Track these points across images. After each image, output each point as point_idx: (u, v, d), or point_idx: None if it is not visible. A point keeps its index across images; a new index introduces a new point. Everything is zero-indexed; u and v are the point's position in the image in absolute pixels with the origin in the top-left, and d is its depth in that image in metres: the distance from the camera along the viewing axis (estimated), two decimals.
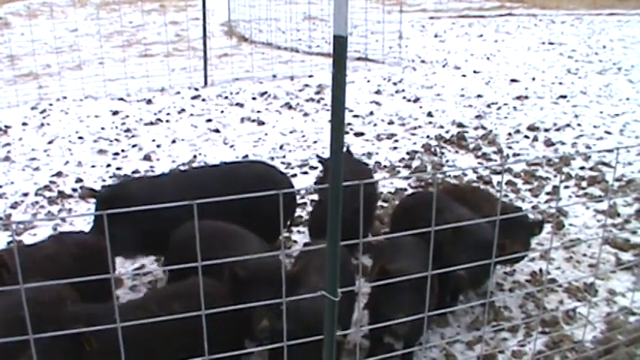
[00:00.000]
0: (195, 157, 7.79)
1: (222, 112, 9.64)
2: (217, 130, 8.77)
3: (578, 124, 9.21)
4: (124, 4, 19.38)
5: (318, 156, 6.31)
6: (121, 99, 10.20)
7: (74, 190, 6.78)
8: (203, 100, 10.23)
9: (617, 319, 4.45)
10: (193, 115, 9.46)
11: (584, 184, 6.99)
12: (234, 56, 12.84)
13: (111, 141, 8.38)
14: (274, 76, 11.76)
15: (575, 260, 5.39)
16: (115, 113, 9.48)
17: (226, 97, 10.39)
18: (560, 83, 11.81)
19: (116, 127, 8.89)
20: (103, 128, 8.86)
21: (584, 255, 5.47)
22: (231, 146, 8.17)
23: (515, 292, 4.88)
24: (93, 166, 7.48)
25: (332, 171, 2.55)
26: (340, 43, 2.43)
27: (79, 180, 7.00)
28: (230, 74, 11.61)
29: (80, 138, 8.47)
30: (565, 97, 10.75)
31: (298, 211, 5.91)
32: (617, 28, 19.24)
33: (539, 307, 4.58)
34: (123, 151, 8.03)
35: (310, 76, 11.62)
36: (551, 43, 16.29)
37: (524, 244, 4.59)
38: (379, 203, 6.25)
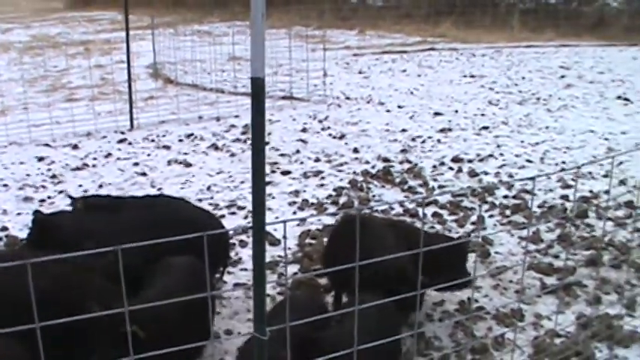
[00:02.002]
0: None
1: (148, 155, 9.59)
2: (144, 174, 8.72)
3: (501, 154, 9.45)
4: (48, 48, 19.17)
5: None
6: (47, 144, 10.05)
7: None
8: (129, 143, 10.15)
9: (543, 342, 4.55)
10: (120, 159, 9.37)
11: (508, 212, 7.16)
12: (160, 98, 12.79)
13: (37, 188, 8.23)
14: (200, 117, 11.75)
15: (502, 287, 5.50)
16: (41, 159, 9.33)
17: (153, 140, 10.33)
18: (483, 115, 12.10)
19: (42, 174, 8.74)
20: (28, 175, 8.70)
21: (511, 281, 5.59)
22: (159, 189, 8.11)
23: (445, 321, 4.96)
24: (18, 214, 7.32)
25: (254, 211, 2.58)
26: (258, 85, 2.46)
27: (4, 228, 6.85)
28: (156, 117, 11.54)
29: (5, 186, 8.30)
30: (487, 128, 11.01)
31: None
32: (534, 59, 19.81)
33: (468, 335, 4.66)
34: (49, 197, 7.89)
35: (236, 117, 11.65)
36: (472, 76, 16.67)
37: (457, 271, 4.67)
38: (307, 240, 6.32)
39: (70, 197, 5.57)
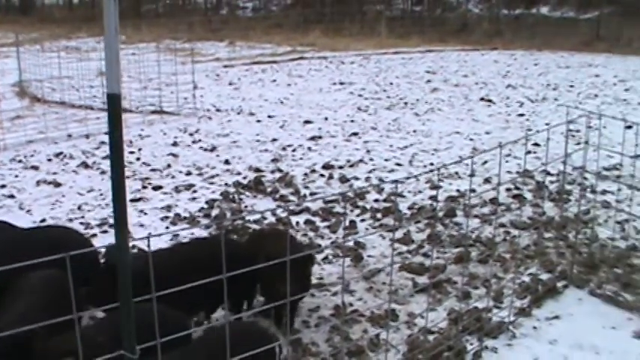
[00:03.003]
0: None
1: (16, 176, 9.23)
2: (12, 196, 8.38)
3: (371, 159, 9.61)
4: None
5: None
6: None
7: None
8: None
9: (417, 340, 4.63)
10: None
11: (379, 215, 7.27)
12: (27, 117, 12.38)
13: None
14: (69, 135, 11.42)
15: (375, 289, 5.56)
16: None
17: (20, 161, 9.95)
18: (352, 121, 12.28)
19: None
20: None
21: (384, 283, 5.66)
22: (28, 211, 7.82)
23: (321, 327, 4.97)
24: None
25: (116, 228, 2.53)
26: (114, 101, 2.43)
27: None
28: (24, 136, 11.14)
29: None
30: (357, 134, 11.18)
31: None
32: (402, 65, 20.31)
33: (345, 339, 4.69)
34: None
35: (106, 133, 11.36)
36: (341, 84, 16.92)
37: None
38: None
39: None
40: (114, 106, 2.43)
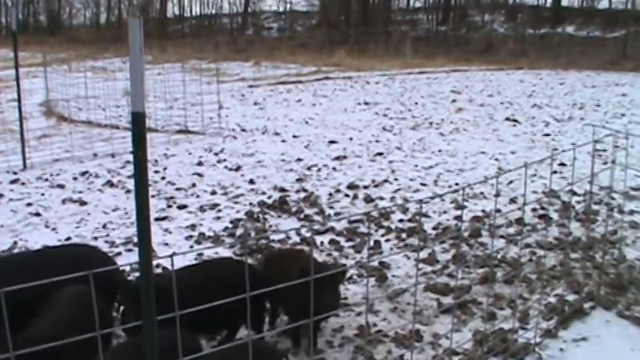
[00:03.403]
0: (15, 243, 7.45)
1: (42, 194, 9.31)
2: (38, 214, 8.46)
3: (396, 179, 9.59)
4: None
5: None
6: None
7: None
8: (22, 183, 9.85)
9: None
10: (13, 200, 9.07)
11: (404, 235, 7.24)
12: (53, 136, 12.50)
13: None
14: (95, 154, 11.52)
15: (400, 309, 5.53)
16: None
17: (47, 179, 10.05)
18: (377, 141, 12.28)
19: None
20: None
21: (408, 303, 5.62)
22: (53, 229, 7.88)
23: (345, 347, 4.95)
24: None
25: (140, 246, 2.54)
26: (138, 120, 2.43)
27: None
28: (50, 155, 11.26)
29: None
30: (382, 153, 11.17)
31: None
32: (427, 85, 20.30)
33: (368, 359, 4.66)
34: None
35: (132, 153, 11.45)
36: (366, 103, 16.93)
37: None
38: None
39: None
40: (138, 125, 2.44)
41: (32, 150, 11.43)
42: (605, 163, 8.58)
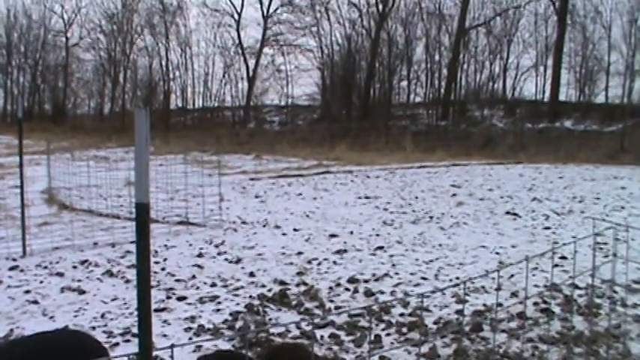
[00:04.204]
0: (12, 330, 7.38)
1: (41, 282, 9.27)
2: (36, 302, 8.39)
3: (396, 273, 9.54)
4: None
5: None
6: None
7: None
8: (21, 270, 9.82)
9: None
10: (11, 287, 9.02)
11: (404, 329, 7.17)
12: (54, 224, 12.54)
13: None
14: (95, 243, 11.52)
15: None
16: None
17: (46, 267, 10.02)
18: (377, 235, 12.28)
19: None
20: None
21: None
22: (51, 317, 7.81)
23: None
24: None
25: (140, 337, 2.52)
26: (142, 210, 2.45)
27: None
28: (50, 243, 11.26)
29: None
30: (382, 247, 11.15)
31: None
32: (427, 179, 20.43)
33: None
34: None
35: (132, 242, 11.47)
36: (367, 197, 17.00)
37: None
38: None
39: None
40: (142, 215, 2.45)
41: (32, 237, 11.45)
42: (607, 256, 8.56)
